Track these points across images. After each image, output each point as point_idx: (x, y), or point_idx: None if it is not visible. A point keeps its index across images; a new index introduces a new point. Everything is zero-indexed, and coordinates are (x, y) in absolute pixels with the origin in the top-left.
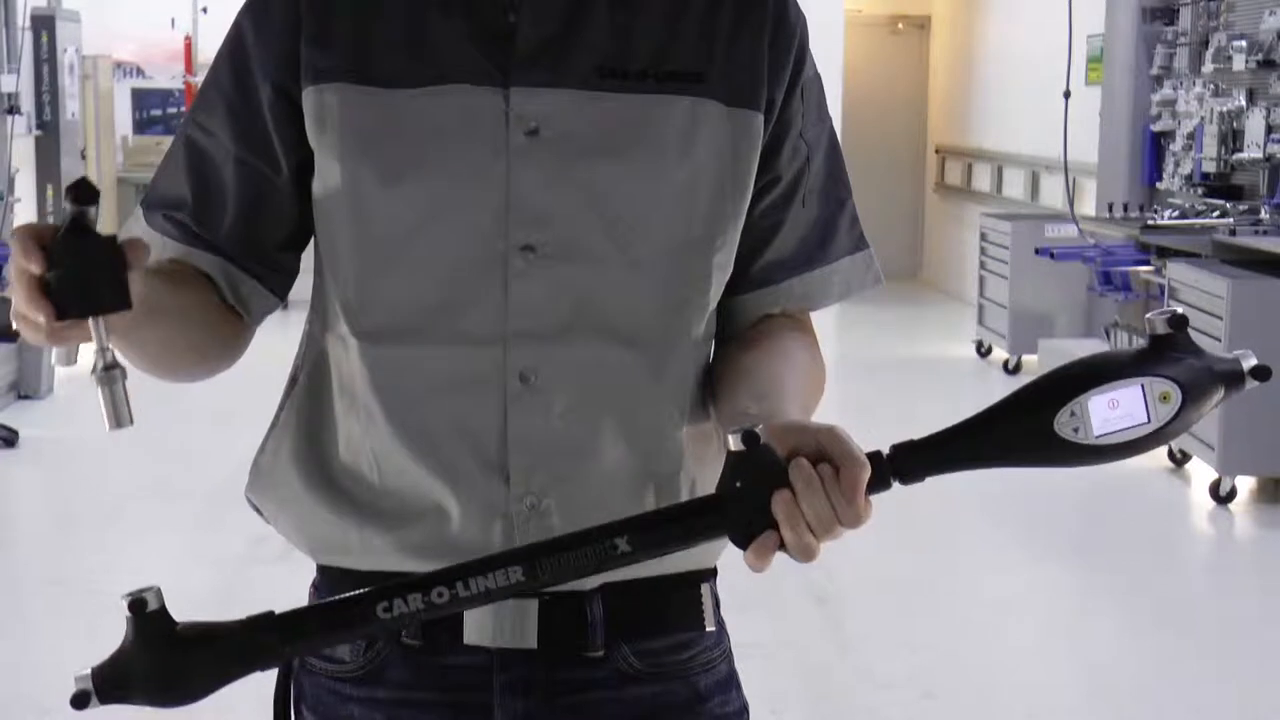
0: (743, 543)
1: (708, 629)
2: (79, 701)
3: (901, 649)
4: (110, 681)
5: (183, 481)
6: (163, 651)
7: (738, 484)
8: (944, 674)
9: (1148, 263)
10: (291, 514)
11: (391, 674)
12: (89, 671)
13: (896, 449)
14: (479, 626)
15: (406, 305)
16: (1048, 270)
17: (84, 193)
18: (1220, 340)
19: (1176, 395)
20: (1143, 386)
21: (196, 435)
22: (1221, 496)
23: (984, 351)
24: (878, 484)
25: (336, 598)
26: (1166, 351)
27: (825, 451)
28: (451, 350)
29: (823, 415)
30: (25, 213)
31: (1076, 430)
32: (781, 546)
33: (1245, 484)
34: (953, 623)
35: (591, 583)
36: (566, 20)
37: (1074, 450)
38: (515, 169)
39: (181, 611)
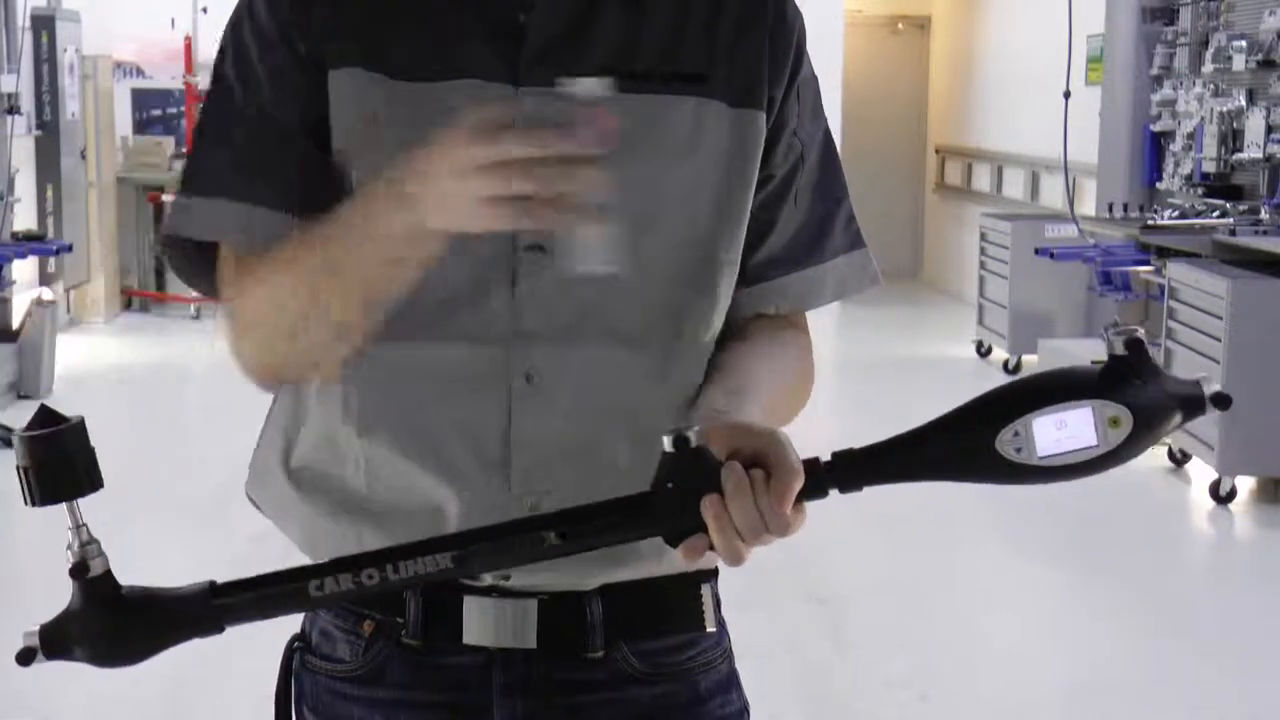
0: (673, 542)
1: (708, 629)
2: (24, 658)
3: (900, 650)
4: (55, 639)
5: (183, 482)
6: (105, 613)
7: (669, 484)
8: (942, 675)
9: (1148, 263)
10: (288, 516)
11: (391, 674)
12: (36, 629)
13: (836, 457)
14: (479, 627)
15: (412, 302)
16: (1048, 270)
17: None
18: (1220, 340)
19: (1128, 420)
20: (1093, 409)
21: (196, 435)
22: (1221, 496)
23: (984, 351)
24: (814, 491)
25: (273, 572)
26: (1123, 373)
27: (762, 456)
28: (455, 348)
29: (823, 415)
30: (25, 212)
31: (1019, 450)
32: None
33: (1245, 484)
34: (951, 623)
35: (591, 583)
36: (575, 20)
37: (1016, 470)
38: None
39: None
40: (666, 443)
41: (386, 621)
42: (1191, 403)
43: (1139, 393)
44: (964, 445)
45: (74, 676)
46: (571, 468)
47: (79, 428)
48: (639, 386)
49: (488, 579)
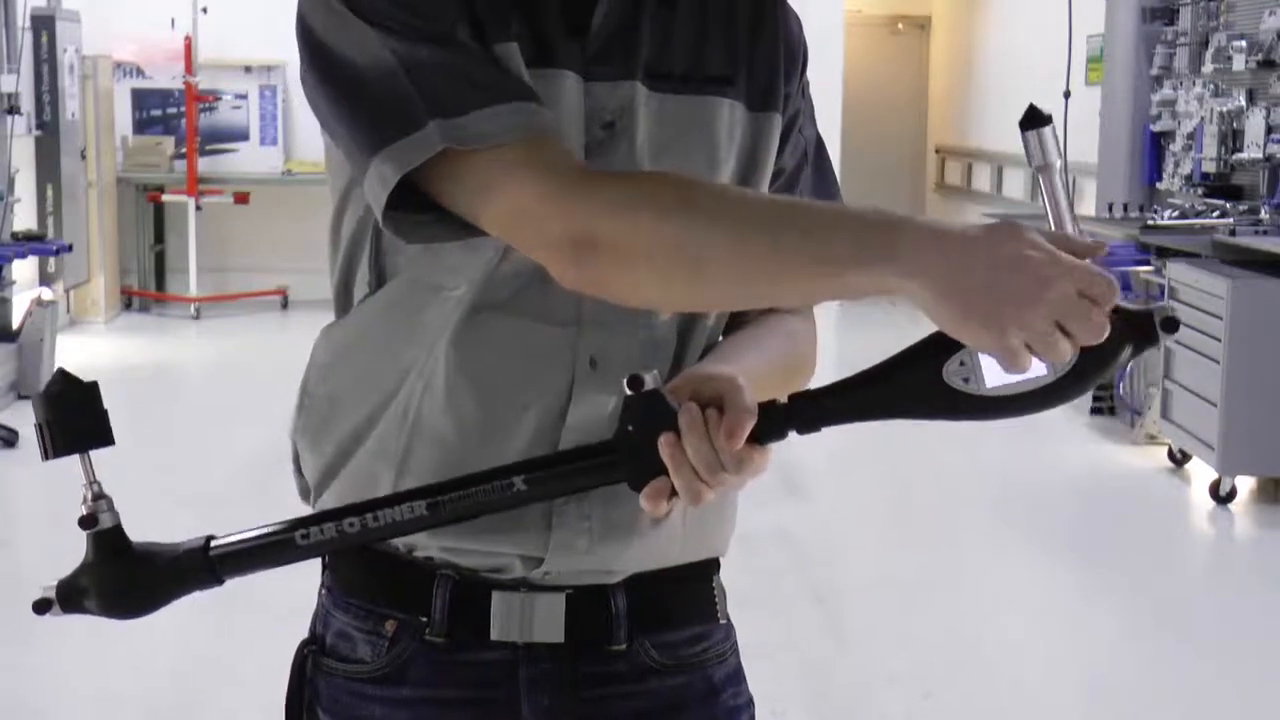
0: (636, 486)
1: (720, 621)
2: (40, 607)
3: (902, 647)
4: (70, 592)
5: (183, 482)
6: (115, 565)
7: (630, 428)
8: (944, 672)
9: (1148, 263)
10: (328, 454)
11: (415, 673)
12: (55, 583)
13: (793, 398)
14: (506, 623)
15: (491, 274)
16: None
17: None
18: (1220, 340)
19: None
20: None
21: (197, 435)
22: (1221, 496)
23: None
24: (772, 432)
25: (261, 527)
26: None
27: (719, 398)
28: (526, 325)
29: None
30: (25, 212)
31: (967, 380)
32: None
33: (1245, 484)
34: (953, 621)
35: (615, 575)
36: (626, 20)
37: (967, 401)
38: (594, 162)
39: (186, 613)
40: (625, 385)
41: (410, 620)
42: (1142, 328)
43: None
44: (913, 378)
45: (82, 677)
46: None
47: (92, 387)
48: (667, 372)
49: (518, 570)
